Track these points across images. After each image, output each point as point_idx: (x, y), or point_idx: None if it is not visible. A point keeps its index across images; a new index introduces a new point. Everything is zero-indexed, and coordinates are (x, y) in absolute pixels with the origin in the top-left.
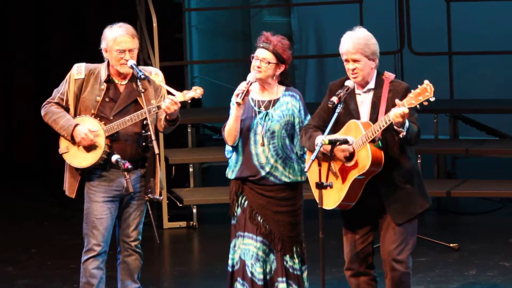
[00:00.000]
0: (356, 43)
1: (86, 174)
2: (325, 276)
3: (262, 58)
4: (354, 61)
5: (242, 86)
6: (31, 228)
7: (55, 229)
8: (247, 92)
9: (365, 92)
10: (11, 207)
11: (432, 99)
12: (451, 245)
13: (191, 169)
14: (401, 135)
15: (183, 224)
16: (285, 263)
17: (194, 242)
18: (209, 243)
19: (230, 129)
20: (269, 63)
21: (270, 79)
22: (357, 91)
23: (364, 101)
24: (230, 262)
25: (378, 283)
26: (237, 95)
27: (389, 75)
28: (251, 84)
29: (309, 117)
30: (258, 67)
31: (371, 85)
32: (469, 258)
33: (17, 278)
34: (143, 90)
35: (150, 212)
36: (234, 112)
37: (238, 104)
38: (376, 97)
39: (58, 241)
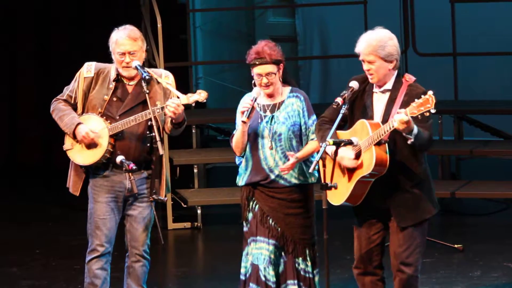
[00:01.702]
0: (369, 44)
1: (90, 174)
2: (330, 277)
3: (266, 73)
4: (369, 62)
5: (246, 104)
6: (35, 229)
7: (59, 229)
8: (252, 109)
9: (382, 92)
10: (15, 208)
11: (433, 111)
12: (455, 246)
13: (195, 170)
14: (409, 142)
15: (187, 225)
16: (296, 265)
17: (199, 243)
18: (214, 244)
19: (237, 142)
20: (274, 74)
21: (277, 84)
22: (374, 89)
23: (379, 101)
24: (243, 270)
25: (386, 284)
26: (242, 113)
27: (409, 78)
28: (255, 100)
29: (314, 117)
30: (266, 83)
31: (388, 86)
32: (474, 259)
33: (21, 279)
34: (147, 91)
35: (154, 213)
36: (240, 128)
37: (244, 122)
38: (391, 99)
39: (62, 241)
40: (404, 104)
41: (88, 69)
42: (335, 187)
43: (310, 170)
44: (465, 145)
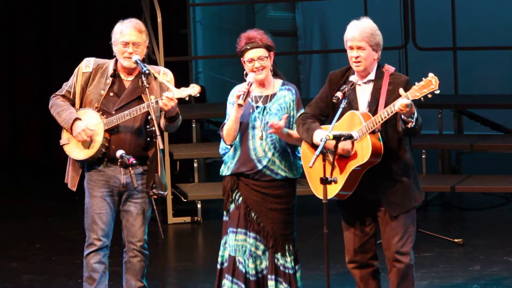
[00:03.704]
0: (363, 31)
1: (86, 169)
2: (329, 271)
3: (258, 57)
4: (359, 48)
5: (243, 88)
6: (35, 224)
7: (60, 225)
8: (248, 93)
9: (365, 83)
10: (16, 203)
11: (437, 91)
12: (455, 240)
13: (195, 165)
14: (409, 125)
15: (187, 219)
16: (276, 260)
17: (199, 237)
18: (214, 238)
19: (230, 129)
20: (266, 58)
21: (269, 73)
22: (357, 81)
23: (363, 92)
24: (219, 259)
25: (381, 274)
26: (238, 97)
27: (389, 68)
28: (251, 85)
29: (302, 110)
30: (258, 68)
31: (371, 76)
32: (474, 253)
33: (22, 274)
34: (147, 85)
35: (154, 207)
36: (234, 113)
37: (240, 105)
38: (375, 89)
39: (62, 236)
40: (390, 93)
41: (87, 64)
42: (335, 182)
43: (310, 165)
44: (465, 139)
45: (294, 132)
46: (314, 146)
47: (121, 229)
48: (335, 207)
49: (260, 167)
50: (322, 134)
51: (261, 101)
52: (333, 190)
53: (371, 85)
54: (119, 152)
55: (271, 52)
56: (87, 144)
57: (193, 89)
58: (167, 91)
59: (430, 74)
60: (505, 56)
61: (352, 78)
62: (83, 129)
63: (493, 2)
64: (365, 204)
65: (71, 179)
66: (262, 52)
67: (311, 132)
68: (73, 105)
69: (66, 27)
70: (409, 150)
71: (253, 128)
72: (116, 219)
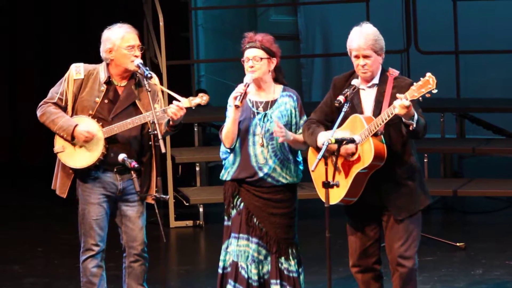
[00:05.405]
0: (367, 38)
1: (80, 175)
2: (332, 275)
3: (253, 57)
4: (365, 57)
5: (240, 89)
6: (37, 227)
7: (61, 228)
8: (245, 94)
9: (369, 87)
10: (18, 206)
11: (435, 91)
12: (457, 244)
13: (197, 168)
14: (411, 128)
15: (189, 223)
16: (280, 265)
17: (201, 241)
18: (216, 242)
19: (228, 131)
20: (261, 59)
21: (266, 76)
22: (361, 86)
23: (367, 96)
24: (221, 264)
25: (384, 278)
26: (235, 98)
27: (393, 72)
28: (248, 86)
29: (304, 117)
30: (251, 67)
31: (376, 80)
32: (476, 257)
33: (24, 277)
34: (149, 89)
35: (156, 211)
36: (232, 115)
37: (237, 106)
38: (379, 93)
39: (63, 240)
40: (394, 96)
41: (77, 71)
42: (337, 185)
43: (312, 169)
44: (467, 143)
45: (299, 137)
46: (319, 150)
47: (117, 232)
48: (337, 211)
49: (261, 174)
50: (324, 138)
51: (261, 106)
52: (338, 196)
53: (375, 89)
54: (121, 156)
55: (273, 58)
56: (85, 152)
57: (202, 99)
58: (175, 101)
59: (428, 74)
60: (507, 59)
61: (354, 82)
62: (87, 131)
63: (495, 6)
64: (370, 209)
65: (61, 186)
66: (258, 52)
67: (315, 136)
68: (64, 112)
69: (66, 27)
70: (415, 153)
71: (254, 134)
72: (113, 223)
